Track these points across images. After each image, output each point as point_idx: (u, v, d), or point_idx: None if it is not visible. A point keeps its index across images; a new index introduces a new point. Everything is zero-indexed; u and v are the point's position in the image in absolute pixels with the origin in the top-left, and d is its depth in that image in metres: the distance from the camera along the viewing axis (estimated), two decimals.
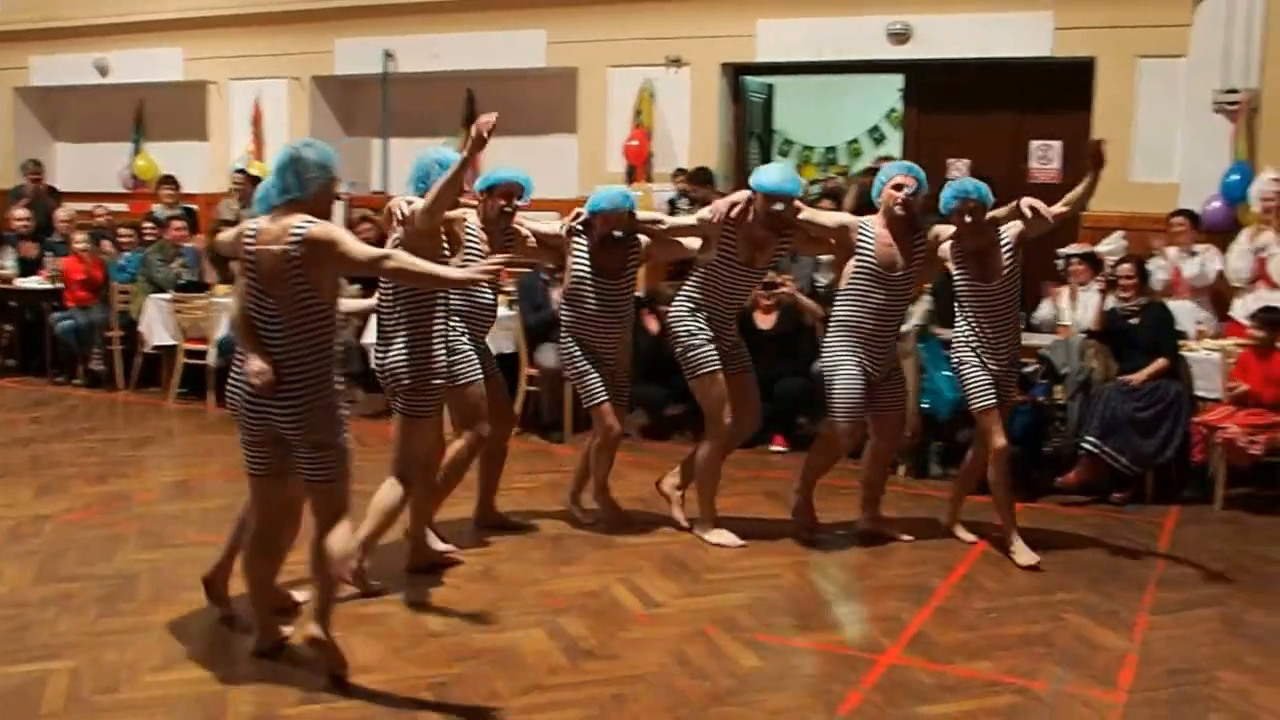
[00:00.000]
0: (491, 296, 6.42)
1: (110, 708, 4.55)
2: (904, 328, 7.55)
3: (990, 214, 6.26)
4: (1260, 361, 7.66)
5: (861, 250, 6.42)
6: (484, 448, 6.44)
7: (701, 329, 6.59)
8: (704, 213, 6.66)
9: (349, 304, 6.22)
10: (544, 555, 6.48)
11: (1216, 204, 9.38)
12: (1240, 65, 9.53)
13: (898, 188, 6.37)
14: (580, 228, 6.65)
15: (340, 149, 12.64)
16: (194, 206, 13.03)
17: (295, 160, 4.78)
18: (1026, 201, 6.11)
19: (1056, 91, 10.37)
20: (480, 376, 6.21)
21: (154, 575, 6.04)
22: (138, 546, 6.53)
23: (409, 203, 5.62)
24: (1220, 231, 9.21)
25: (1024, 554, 6.39)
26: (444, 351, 5.71)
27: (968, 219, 6.22)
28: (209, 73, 13.92)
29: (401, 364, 5.60)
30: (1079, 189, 6.15)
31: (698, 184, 10.27)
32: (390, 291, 5.63)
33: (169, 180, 12.83)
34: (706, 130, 11.60)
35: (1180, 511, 7.62)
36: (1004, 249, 6.28)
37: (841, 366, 6.47)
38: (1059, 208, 6.14)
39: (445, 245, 5.72)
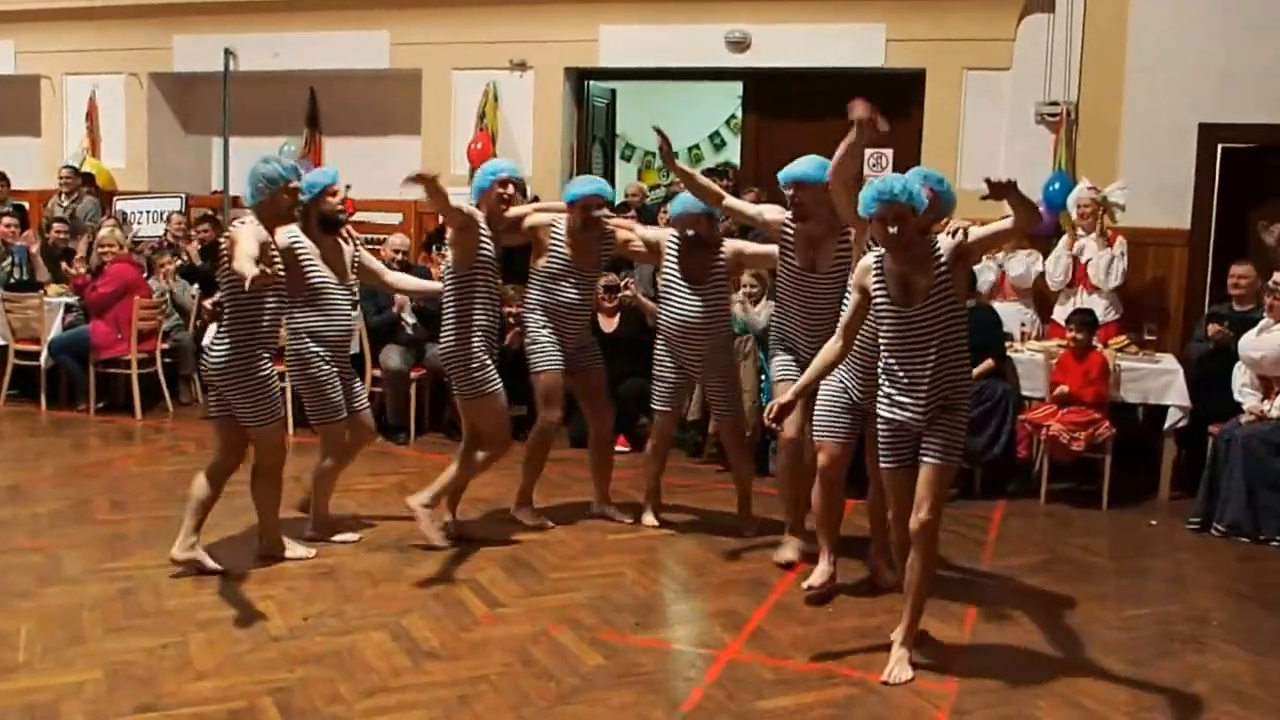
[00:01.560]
0: (576, 295, 6.82)
1: None
2: (740, 329, 7.69)
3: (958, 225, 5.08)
4: (1078, 362, 7.99)
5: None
6: (554, 433, 7.09)
7: (780, 341, 6.47)
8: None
9: (412, 282, 7.25)
10: (387, 557, 6.47)
11: (1039, 210, 9.74)
12: (1060, 79, 9.98)
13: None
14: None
15: (178, 147, 12.50)
16: (24, 204, 12.64)
17: (251, 173, 5.92)
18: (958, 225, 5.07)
19: (889, 101, 10.53)
20: (552, 366, 6.84)
21: None
22: None
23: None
24: (1043, 237, 9.59)
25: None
26: (483, 339, 6.42)
27: (892, 230, 4.90)
28: (42, 67, 13.46)
29: (447, 348, 6.46)
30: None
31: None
32: (444, 284, 6.52)
33: None
34: (550, 134, 11.65)
35: (1007, 506, 7.92)
36: (937, 267, 4.96)
37: (824, 384, 5.71)
38: (994, 227, 5.06)
39: (484, 245, 6.42)
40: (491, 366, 6.49)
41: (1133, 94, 9.87)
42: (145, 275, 10.33)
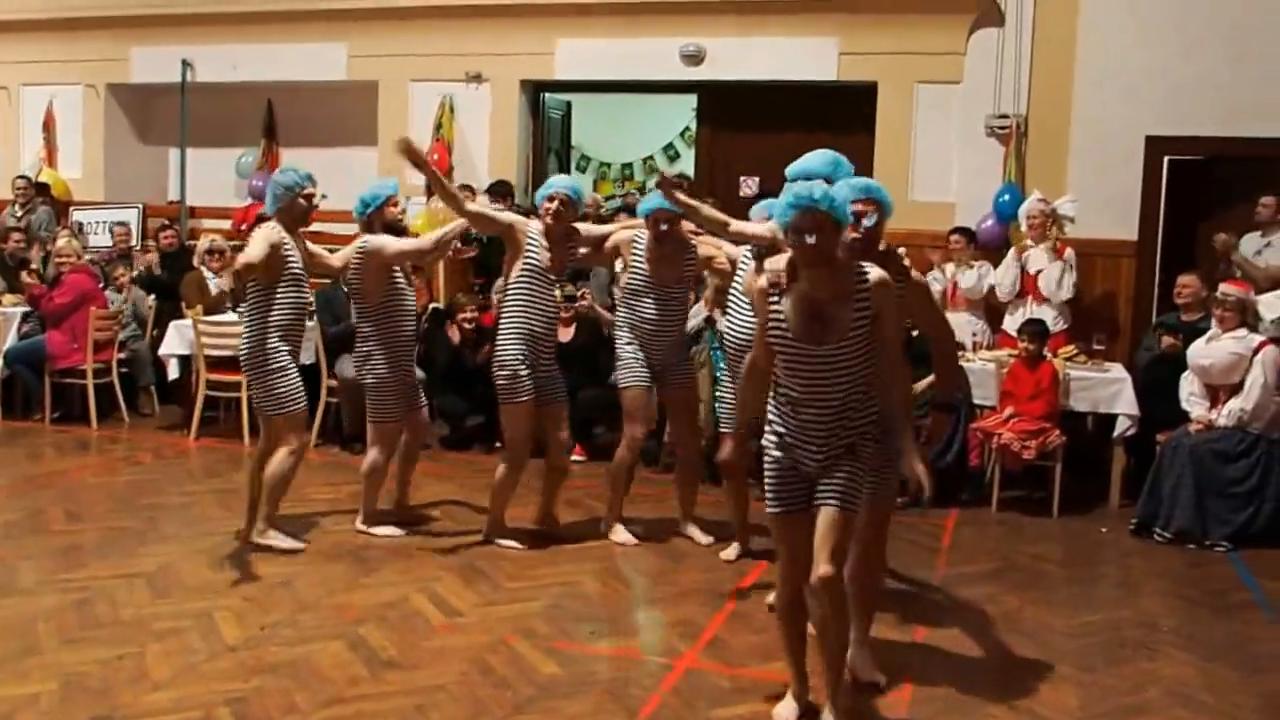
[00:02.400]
0: (655, 311, 6.83)
1: None
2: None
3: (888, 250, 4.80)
4: (1030, 372, 8.10)
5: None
6: (638, 448, 7.14)
7: None
8: None
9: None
10: (344, 566, 6.48)
11: (989, 222, 9.89)
12: (1010, 92, 10.10)
13: (854, 216, 4.65)
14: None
15: (135, 158, 12.42)
16: None
17: (271, 183, 6.64)
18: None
19: (842, 113, 10.72)
20: (635, 382, 6.91)
21: None
22: None
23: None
24: (994, 248, 9.72)
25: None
26: (527, 347, 6.63)
27: (810, 240, 4.25)
28: None
29: (496, 354, 6.71)
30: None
31: (497, 196, 10.38)
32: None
33: None
34: (506, 145, 11.69)
35: (959, 514, 8.00)
36: (860, 302, 4.32)
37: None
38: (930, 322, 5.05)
39: (530, 255, 6.65)
40: (524, 376, 6.64)
41: (1081, 107, 10.00)
42: (102, 285, 10.29)
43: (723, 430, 6.78)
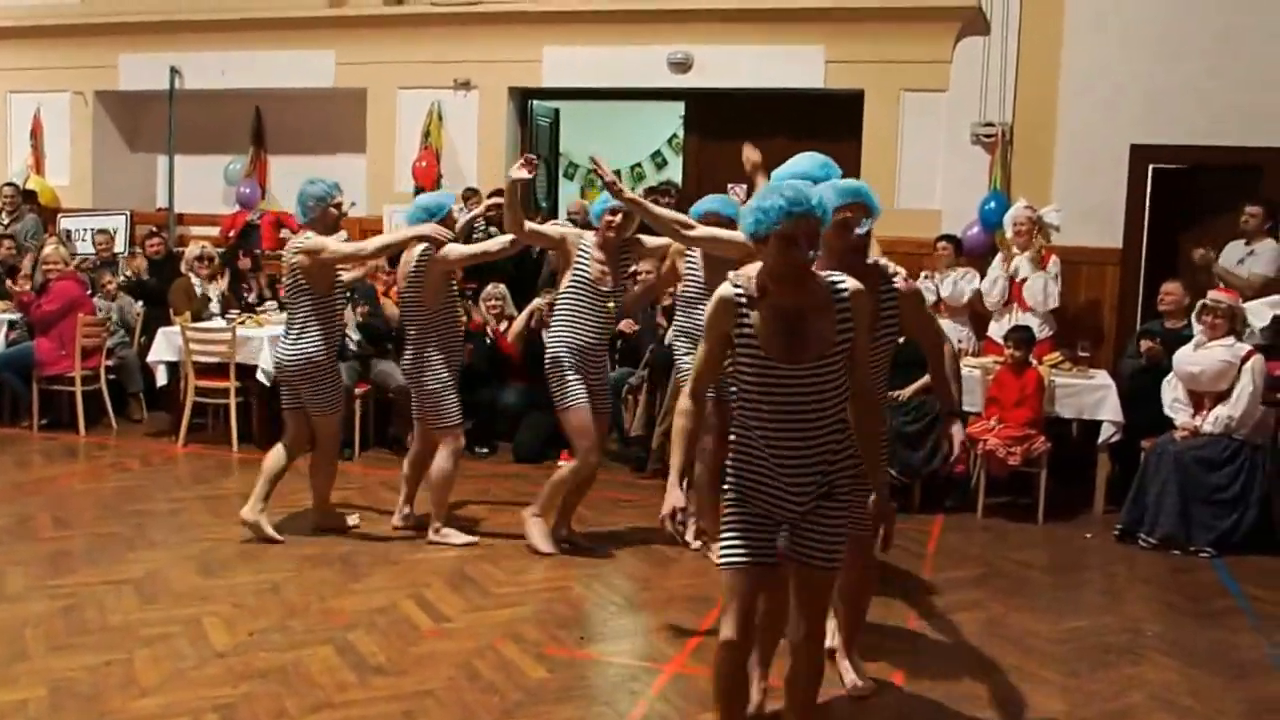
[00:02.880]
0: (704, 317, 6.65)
1: None
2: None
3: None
4: (1016, 378, 8.14)
5: None
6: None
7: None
8: None
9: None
10: (332, 572, 6.48)
11: (975, 230, 9.93)
12: (996, 100, 10.17)
13: (843, 225, 4.37)
14: None
15: (123, 165, 12.41)
16: None
17: (301, 195, 6.81)
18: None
19: (829, 121, 10.76)
20: None
21: None
22: None
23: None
24: (980, 255, 9.76)
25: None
26: (576, 356, 6.68)
27: (814, 253, 3.78)
28: None
29: (546, 363, 6.81)
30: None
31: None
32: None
33: None
34: (494, 152, 11.71)
35: (945, 519, 8.02)
36: (841, 313, 3.80)
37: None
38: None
39: (580, 267, 6.72)
40: (572, 380, 6.69)
41: (1066, 115, 10.08)
42: (89, 293, 10.29)
43: None
